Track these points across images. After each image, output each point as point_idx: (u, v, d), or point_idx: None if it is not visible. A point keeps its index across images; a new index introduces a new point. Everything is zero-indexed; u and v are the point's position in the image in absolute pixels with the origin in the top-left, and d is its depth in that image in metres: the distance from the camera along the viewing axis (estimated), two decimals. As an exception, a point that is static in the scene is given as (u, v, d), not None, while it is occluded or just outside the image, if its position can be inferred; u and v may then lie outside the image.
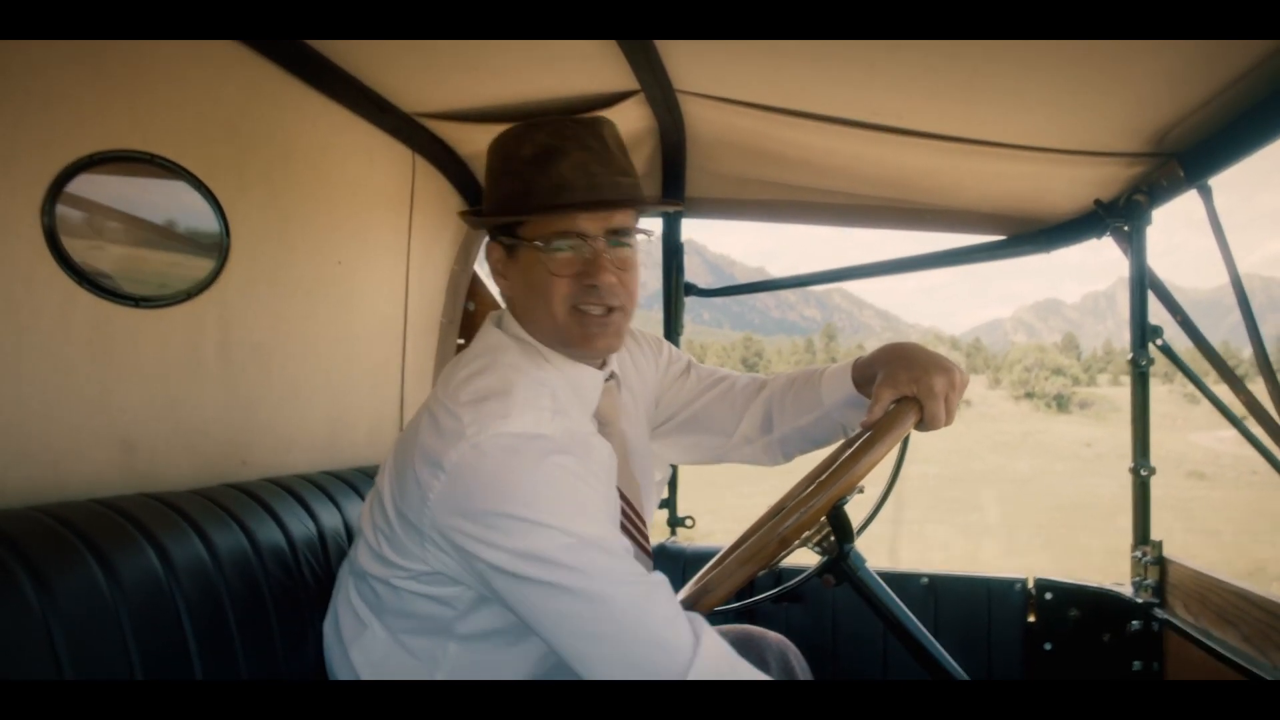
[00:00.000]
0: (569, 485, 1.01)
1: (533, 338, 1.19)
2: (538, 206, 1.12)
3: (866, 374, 1.26)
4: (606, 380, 1.24)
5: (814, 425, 1.35)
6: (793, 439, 1.39)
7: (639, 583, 0.97)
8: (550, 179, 1.12)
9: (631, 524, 1.24)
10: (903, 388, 1.13)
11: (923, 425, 1.13)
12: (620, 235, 1.15)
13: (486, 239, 1.20)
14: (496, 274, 1.21)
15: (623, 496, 1.21)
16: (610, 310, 1.15)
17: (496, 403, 1.04)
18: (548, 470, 1.00)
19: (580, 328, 1.15)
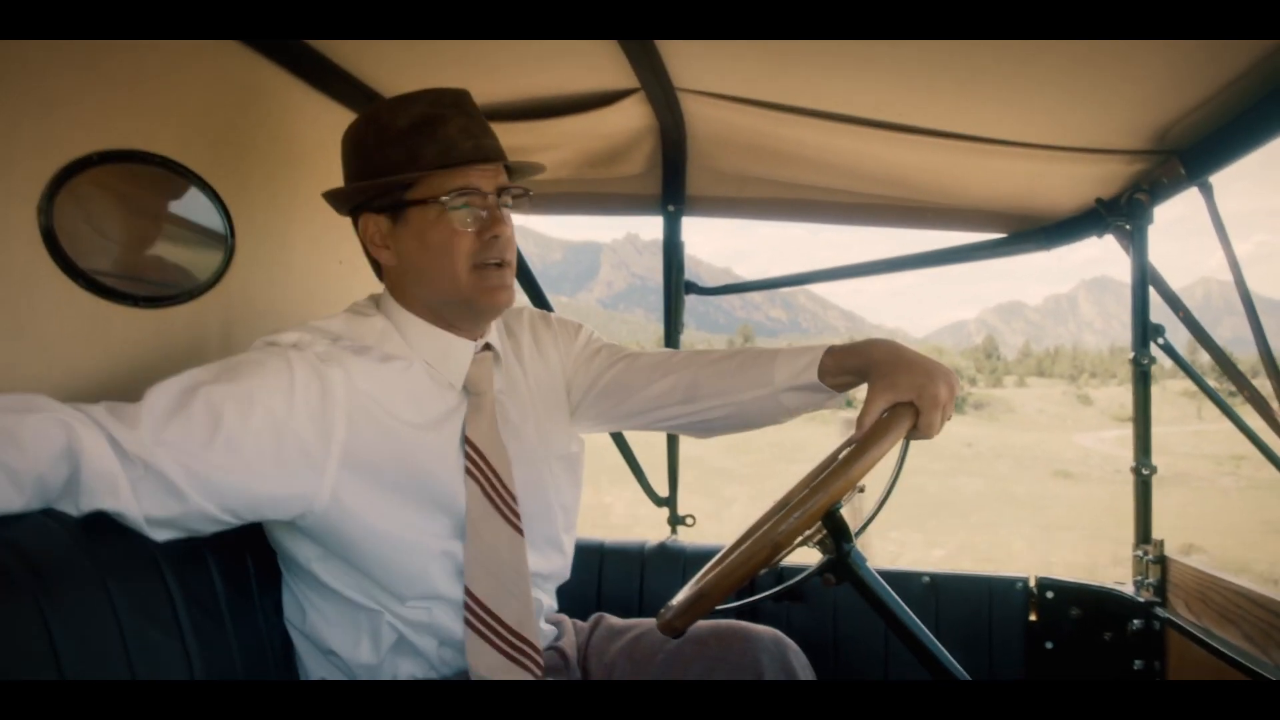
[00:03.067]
0: (263, 359, 1.10)
1: (416, 308, 1.25)
2: (432, 164, 1.16)
3: (845, 365, 1.20)
4: (480, 350, 1.28)
5: (754, 403, 1.29)
6: (720, 412, 1.33)
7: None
8: (438, 142, 1.17)
9: (491, 488, 1.24)
10: (902, 394, 1.08)
11: (915, 434, 1.10)
12: (508, 193, 1.22)
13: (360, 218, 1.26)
14: (375, 247, 1.25)
15: (479, 453, 1.24)
16: (504, 265, 1.21)
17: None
18: (262, 350, 1.13)
19: (484, 283, 1.20)
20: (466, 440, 1.24)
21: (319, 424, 1.10)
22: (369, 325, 1.25)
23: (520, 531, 1.26)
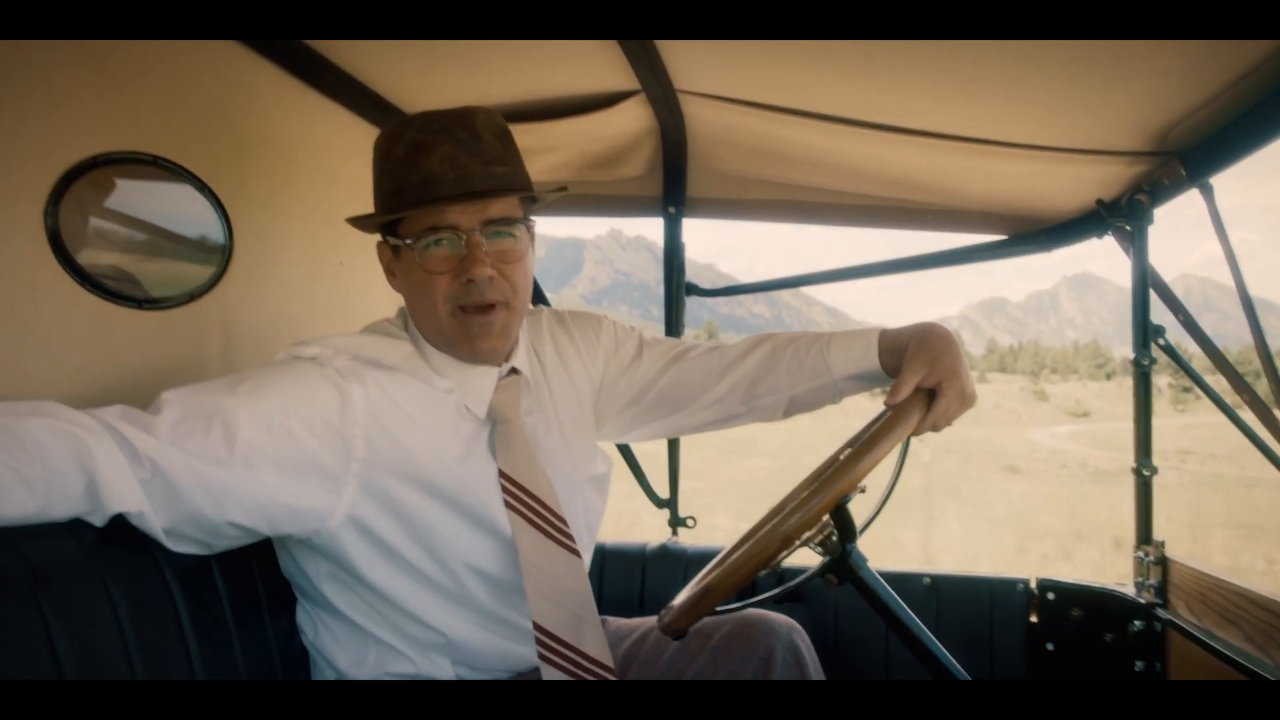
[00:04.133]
0: (282, 371, 1.09)
1: (424, 340, 1.21)
2: (409, 202, 1.11)
3: (898, 342, 1.22)
4: (505, 376, 1.22)
5: (810, 393, 1.32)
6: (777, 408, 1.36)
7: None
8: (419, 174, 1.10)
9: (538, 516, 1.21)
10: (935, 374, 1.11)
11: (927, 425, 1.12)
12: (499, 226, 1.13)
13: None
14: (389, 275, 1.22)
15: (517, 485, 1.19)
16: (492, 307, 1.13)
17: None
18: (282, 363, 1.11)
19: (463, 329, 1.14)
20: (502, 474, 1.19)
21: (337, 440, 1.07)
22: (394, 347, 1.19)
23: (578, 554, 1.22)
